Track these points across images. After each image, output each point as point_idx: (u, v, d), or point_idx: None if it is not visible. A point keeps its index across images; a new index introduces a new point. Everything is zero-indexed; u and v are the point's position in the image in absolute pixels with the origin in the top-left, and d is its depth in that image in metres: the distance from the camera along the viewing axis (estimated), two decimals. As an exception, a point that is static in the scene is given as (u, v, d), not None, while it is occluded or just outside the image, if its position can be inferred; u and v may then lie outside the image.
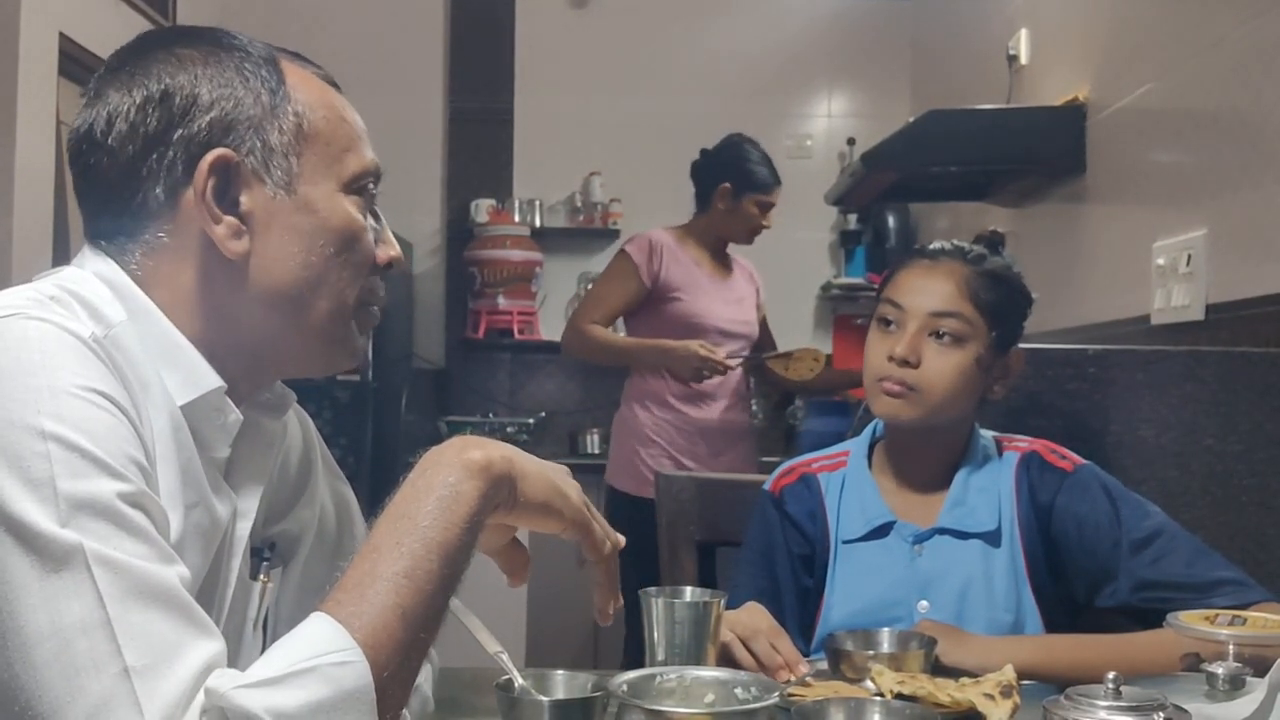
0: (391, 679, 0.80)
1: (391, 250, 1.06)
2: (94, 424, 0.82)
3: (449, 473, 0.89)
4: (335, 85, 1.05)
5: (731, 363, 3.11)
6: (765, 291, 3.39)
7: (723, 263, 3.29)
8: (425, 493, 0.88)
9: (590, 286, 3.61)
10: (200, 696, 0.77)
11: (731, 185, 3.18)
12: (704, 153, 3.29)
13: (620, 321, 3.36)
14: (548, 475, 0.97)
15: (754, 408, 4.62)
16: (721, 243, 3.27)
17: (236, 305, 0.97)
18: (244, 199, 0.96)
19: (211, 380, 0.96)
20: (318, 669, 0.77)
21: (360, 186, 1.02)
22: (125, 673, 0.75)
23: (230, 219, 0.95)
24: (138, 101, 0.95)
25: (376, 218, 1.05)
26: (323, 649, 0.78)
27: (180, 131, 0.94)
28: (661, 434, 3.17)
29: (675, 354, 3.10)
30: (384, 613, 0.81)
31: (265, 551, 1.09)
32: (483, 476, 0.90)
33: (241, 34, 1.02)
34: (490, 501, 0.91)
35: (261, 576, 1.07)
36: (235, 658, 1.05)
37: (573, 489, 0.99)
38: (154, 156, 0.95)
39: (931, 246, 1.59)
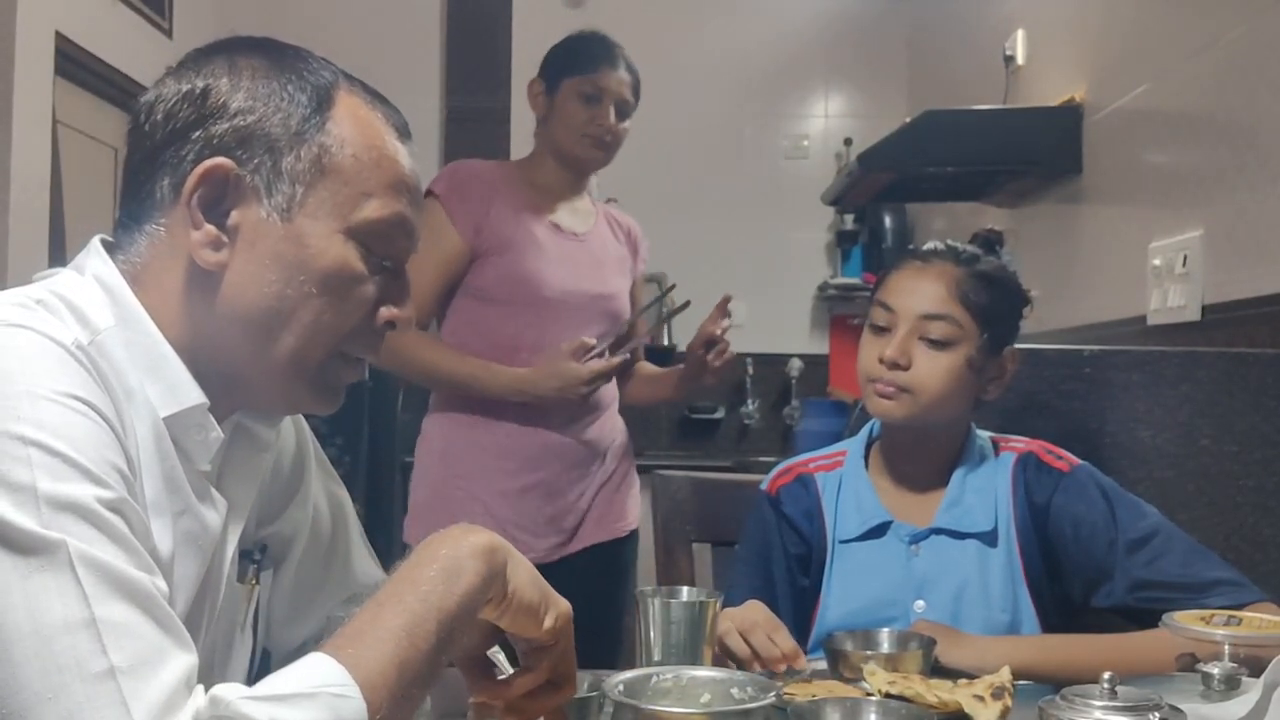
0: None
1: (395, 311, 1.01)
2: (74, 430, 0.81)
3: (453, 548, 0.89)
4: (403, 133, 1.02)
5: (614, 360, 2.21)
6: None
7: (574, 209, 2.34)
8: (429, 561, 0.88)
9: None
10: (193, 703, 0.76)
11: (543, 79, 2.32)
12: None
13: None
14: (539, 578, 0.95)
15: (749, 406, 4.67)
16: (563, 176, 2.32)
17: (210, 320, 0.95)
18: (235, 213, 0.94)
19: (194, 396, 0.94)
20: (320, 695, 0.78)
21: (369, 235, 0.97)
22: (111, 672, 0.74)
23: (210, 228, 0.94)
24: (182, 93, 0.95)
25: (396, 274, 1.01)
26: (325, 680, 0.79)
27: (201, 132, 0.94)
28: (477, 467, 2.26)
29: (540, 381, 2.17)
30: (382, 660, 0.81)
31: (255, 554, 1.08)
32: (484, 559, 0.89)
33: (316, 58, 1.00)
34: (489, 584, 0.90)
35: (249, 579, 1.07)
36: (225, 660, 1.05)
37: (563, 605, 0.96)
38: (173, 149, 0.95)
39: (925, 247, 1.58)
